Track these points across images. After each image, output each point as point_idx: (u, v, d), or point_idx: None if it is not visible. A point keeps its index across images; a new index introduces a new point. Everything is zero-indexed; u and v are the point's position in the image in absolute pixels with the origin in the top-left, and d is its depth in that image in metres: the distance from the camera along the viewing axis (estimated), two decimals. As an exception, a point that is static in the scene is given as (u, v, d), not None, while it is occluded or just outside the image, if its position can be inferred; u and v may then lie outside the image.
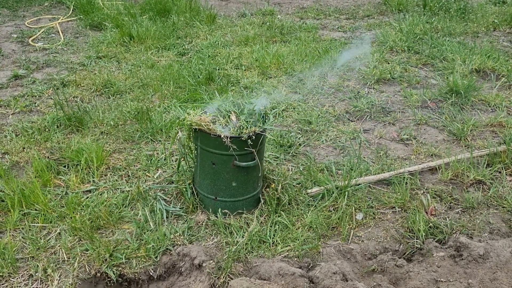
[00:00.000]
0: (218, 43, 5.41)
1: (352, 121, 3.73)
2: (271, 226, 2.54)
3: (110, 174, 2.98)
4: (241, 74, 4.52)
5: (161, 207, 2.65)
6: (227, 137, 2.34)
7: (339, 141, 3.41)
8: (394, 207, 2.73)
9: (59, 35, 5.71)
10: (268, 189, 2.72)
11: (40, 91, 4.12)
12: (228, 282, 2.17)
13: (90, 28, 6.07)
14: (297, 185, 2.88)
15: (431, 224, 2.56)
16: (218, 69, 4.62)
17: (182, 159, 2.75)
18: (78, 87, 4.23)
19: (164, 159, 3.12)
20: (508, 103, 4.00)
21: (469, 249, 2.32)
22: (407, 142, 3.44)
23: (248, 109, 2.58)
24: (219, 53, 5.11)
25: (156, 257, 2.35)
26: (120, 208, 2.67)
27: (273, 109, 3.73)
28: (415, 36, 5.57)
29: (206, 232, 2.52)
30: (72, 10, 6.77)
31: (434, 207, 2.70)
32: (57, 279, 2.21)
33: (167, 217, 2.61)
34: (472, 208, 2.74)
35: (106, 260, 2.31)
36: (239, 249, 2.37)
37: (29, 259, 2.33)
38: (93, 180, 2.91)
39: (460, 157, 3.10)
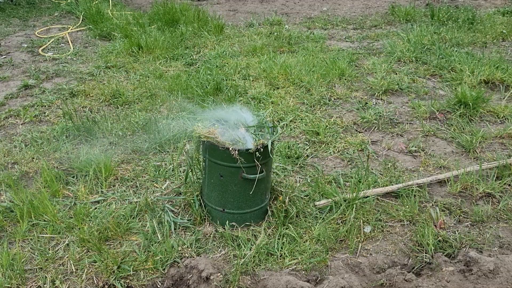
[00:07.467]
0: (226, 53, 5.44)
1: (360, 132, 3.72)
2: (278, 239, 2.53)
3: (118, 185, 3.00)
4: (248, 85, 4.53)
5: (169, 218, 2.65)
6: (235, 150, 2.34)
7: (347, 153, 3.41)
8: (403, 220, 2.72)
9: (69, 45, 5.77)
10: (275, 201, 2.72)
11: (49, 101, 4.15)
12: (235, 296, 2.16)
13: (99, 38, 6.13)
14: (305, 197, 2.87)
15: (440, 238, 2.54)
16: (226, 80, 4.64)
17: (190, 170, 2.76)
18: (87, 97, 4.27)
19: (172, 170, 3.13)
20: (517, 114, 3.97)
21: (479, 264, 2.30)
22: (415, 154, 3.42)
23: (257, 122, 2.59)
24: (227, 63, 5.14)
25: (163, 269, 2.35)
26: (128, 219, 2.68)
27: (281, 120, 3.73)
28: (422, 46, 5.56)
29: (214, 244, 2.52)
30: (82, 20, 6.86)
31: (443, 220, 2.68)
32: (65, 291, 2.22)
33: (175, 229, 2.61)
34: (481, 221, 2.71)
35: (113, 272, 2.31)
36: (247, 261, 2.37)
37: (37, 270, 2.33)
38: (101, 191, 2.93)
39: (469, 170, 3.08)
